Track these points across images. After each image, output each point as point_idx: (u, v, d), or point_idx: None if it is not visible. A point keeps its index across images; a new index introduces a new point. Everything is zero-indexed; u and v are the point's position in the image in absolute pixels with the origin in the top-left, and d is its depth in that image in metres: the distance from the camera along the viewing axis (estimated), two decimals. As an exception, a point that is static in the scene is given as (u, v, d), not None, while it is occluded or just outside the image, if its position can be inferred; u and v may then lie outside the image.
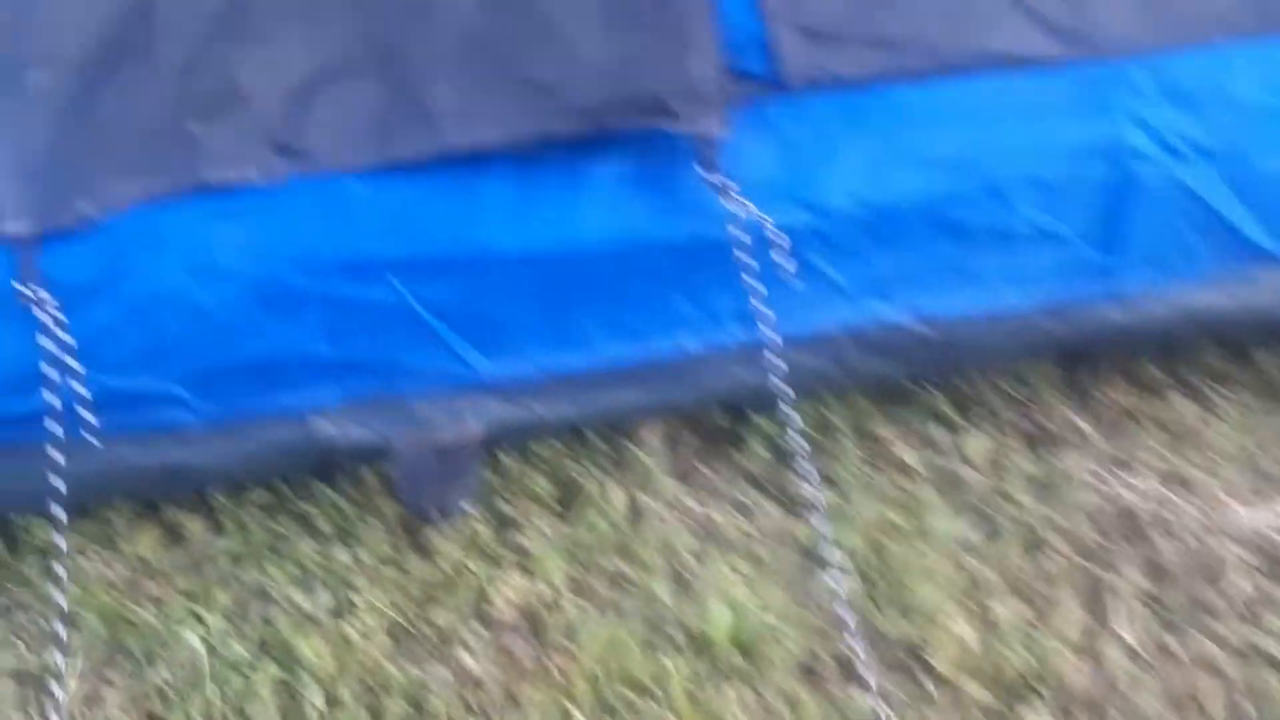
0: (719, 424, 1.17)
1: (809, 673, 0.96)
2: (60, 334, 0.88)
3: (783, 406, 0.92)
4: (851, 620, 0.88)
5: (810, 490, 0.91)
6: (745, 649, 0.96)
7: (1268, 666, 0.93)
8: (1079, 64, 0.94)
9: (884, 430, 1.14)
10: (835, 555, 0.90)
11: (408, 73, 0.90)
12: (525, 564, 1.05)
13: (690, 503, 1.10)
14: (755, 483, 1.12)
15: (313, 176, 0.91)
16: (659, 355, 0.99)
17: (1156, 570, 1.01)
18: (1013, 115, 0.94)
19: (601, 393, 1.02)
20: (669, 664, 0.94)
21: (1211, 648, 0.94)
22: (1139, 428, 1.13)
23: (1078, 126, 0.95)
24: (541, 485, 1.10)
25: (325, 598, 1.02)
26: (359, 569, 1.04)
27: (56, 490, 0.90)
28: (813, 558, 1.04)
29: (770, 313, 0.92)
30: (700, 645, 0.96)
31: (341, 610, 1.01)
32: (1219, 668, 0.93)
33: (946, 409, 1.15)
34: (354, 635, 0.98)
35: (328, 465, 1.08)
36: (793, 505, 1.09)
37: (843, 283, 0.97)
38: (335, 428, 1.00)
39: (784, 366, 0.92)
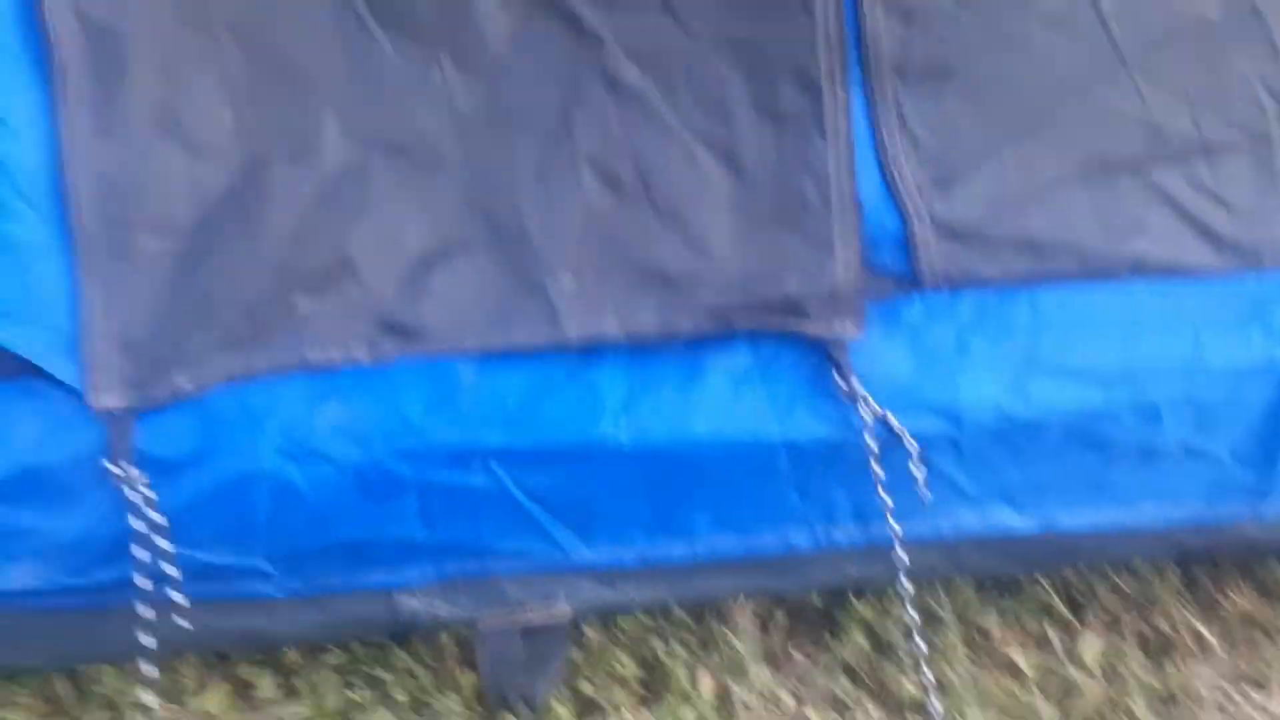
0: (814, 606, 1.12)
1: None
2: (150, 513, 0.85)
3: (907, 614, 0.86)
4: None
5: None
6: None
7: None
8: (1241, 276, 0.89)
9: (992, 625, 1.07)
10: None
11: (527, 255, 0.86)
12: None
13: (784, 695, 1.04)
14: (853, 676, 1.06)
15: (422, 358, 0.87)
16: (765, 549, 0.94)
17: (1292, 810, 0.94)
18: (1167, 328, 0.89)
19: (700, 579, 0.97)
20: None
21: None
22: (1269, 641, 1.06)
23: (1238, 343, 0.89)
24: (626, 666, 1.05)
25: None
26: (435, 747, 1.00)
27: (147, 649, 0.86)
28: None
29: (897, 526, 0.87)
30: None
31: (416, 791, 0.97)
32: None
33: (1058, 604, 1.09)
34: (426, 820, 0.93)
35: (407, 633, 1.03)
36: (895, 705, 1.03)
37: (970, 490, 0.92)
38: (421, 605, 0.95)
39: (909, 585, 0.87)
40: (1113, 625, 1.08)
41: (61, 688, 1.05)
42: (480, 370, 0.89)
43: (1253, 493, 0.92)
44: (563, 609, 0.97)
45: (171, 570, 0.88)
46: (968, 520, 0.93)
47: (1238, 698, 1.01)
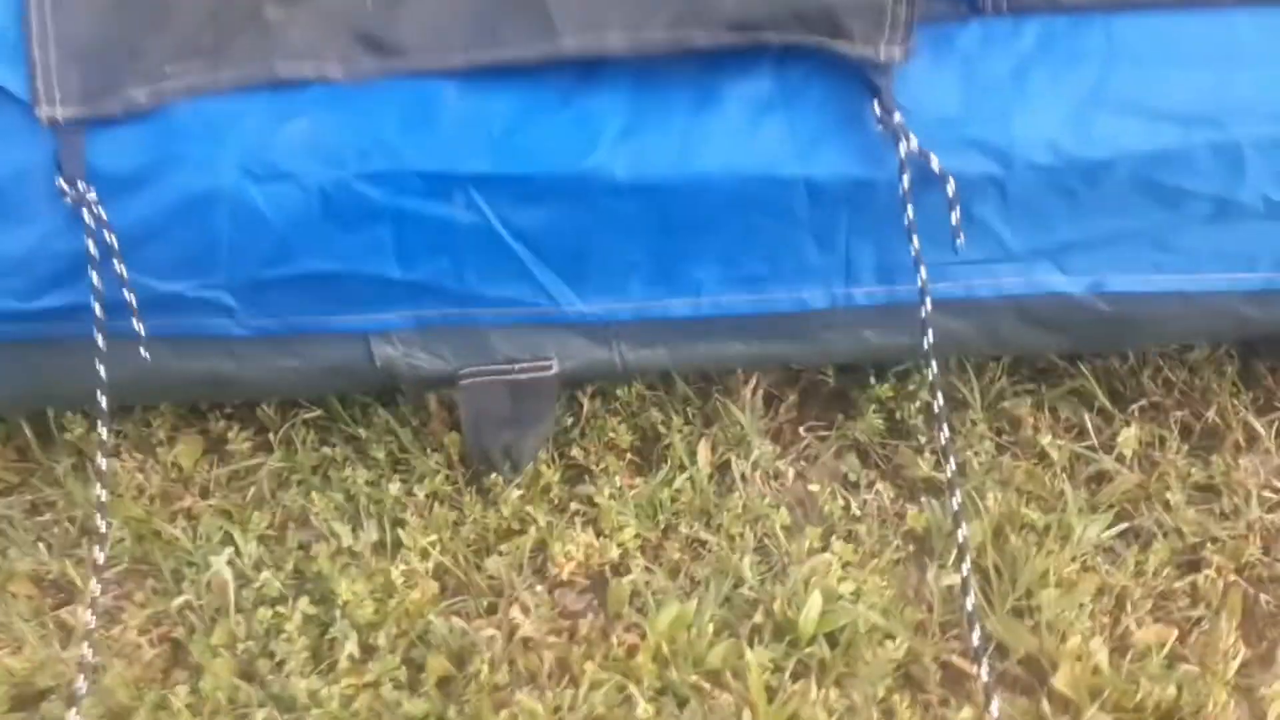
0: (828, 387, 1.04)
1: (907, 679, 0.86)
2: (104, 234, 0.78)
3: (930, 375, 0.78)
4: (977, 634, 0.77)
5: (944, 473, 0.78)
6: (836, 643, 0.85)
7: None
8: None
9: (1022, 411, 0.99)
10: (967, 552, 0.78)
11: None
12: (595, 519, 0.95)
13: (788, 470, 0.98)
14: (864, 455, 0.99)
15: (401, 76, 0.77)
16: (776, 308, 0.85)
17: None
18: (1263, 63, 0.76)
19: (703, 343, 0.89)
20: (748, 652, 0.84)
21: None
22: (1326, 437, 0.98)
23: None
24: (620, 433, 0.99)
25: (371, 533, 0.93)
26: (411, 505, 0.95)
27: (101, 379, 0.81)
28: (925, 548, 0.93)
29: (924, 273, 0.77)
30: (785, 634, 0.86)
31: (387, 549, 0.93)
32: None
33: (1095, 390, 1.00)
34: (397, 578, 0.90)
35: (388, 388, 0.97)
36: (907, 484, 0.97)
37: (1014, 245, 0.82)
38: (399, 353, 0.89)
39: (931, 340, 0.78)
40: (1156, 415, 1.00)
41: (29, 434, 1.01)
42: (464, 91, 0.79)
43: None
44: (551, 365, 0.90)
45: (129, 296, 0.81)
46: (1008, 279, 0.84)
47: (1284, 492, 0.94)
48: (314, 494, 0.96)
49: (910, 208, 0.76)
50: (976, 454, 0.97)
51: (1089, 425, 0.98)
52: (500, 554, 0.92)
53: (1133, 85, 0.77)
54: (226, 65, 0.78)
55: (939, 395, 0.79)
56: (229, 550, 0.92)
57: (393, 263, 0.83)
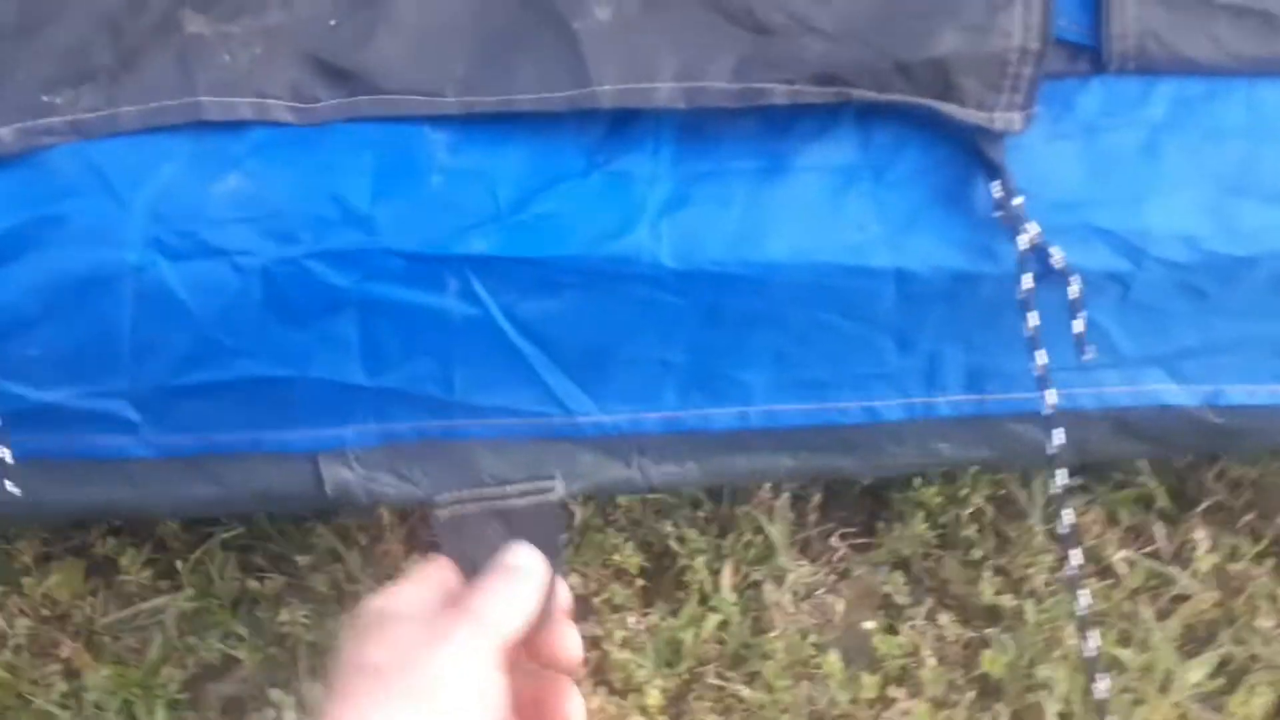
0: (858, 484, 0.89)
1: None
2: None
3: (1055, 487, 0.63)
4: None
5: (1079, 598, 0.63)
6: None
7: None
8: None
9: (1084, 517, 0.87)
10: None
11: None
12: (603, 667, 0.78)
13: (828, 598, 0.83)
14: (909, 571, 0.85)
15: (374, 120, 0.58)
16: (839, 419, 0.70)
17: None
18: None
19: (744, 456, 0.73)
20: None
21: None
22: None
23: None
24: (626, 553, 0.82)
25: (315, 694, 0.74)
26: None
27: None
28: (1001, 694, 0.79)
29: (1052, 396, 0.63)
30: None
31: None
32: None
33: (1159, 494, 0.89)
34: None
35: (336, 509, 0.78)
36: (960, 607, 0.83)
37: (1126, 350, 0.68)
38: (357, 477, 0.69)
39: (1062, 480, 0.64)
40: (1225, 520, 0.89)
41: None
42: (458, 143, 0.60)
43: None
44: (555, 489, 0.72)
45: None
46: (1113, 388, 0.70)
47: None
48: (238, 640, 0.76)
49: (1034, 314, 0.62)
50: (1039, 570, 0.84)
51: (1156, 534, 0.87)
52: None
53: (1281, 167, 0.64)
54: (130, 96, 0.57)
55: (1065, 515, 0.65)
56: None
57: (357, 366, 0.63)
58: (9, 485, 0.61)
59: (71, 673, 0.76)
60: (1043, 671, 0.78)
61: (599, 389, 0.68)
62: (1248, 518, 0.88)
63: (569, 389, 0.67)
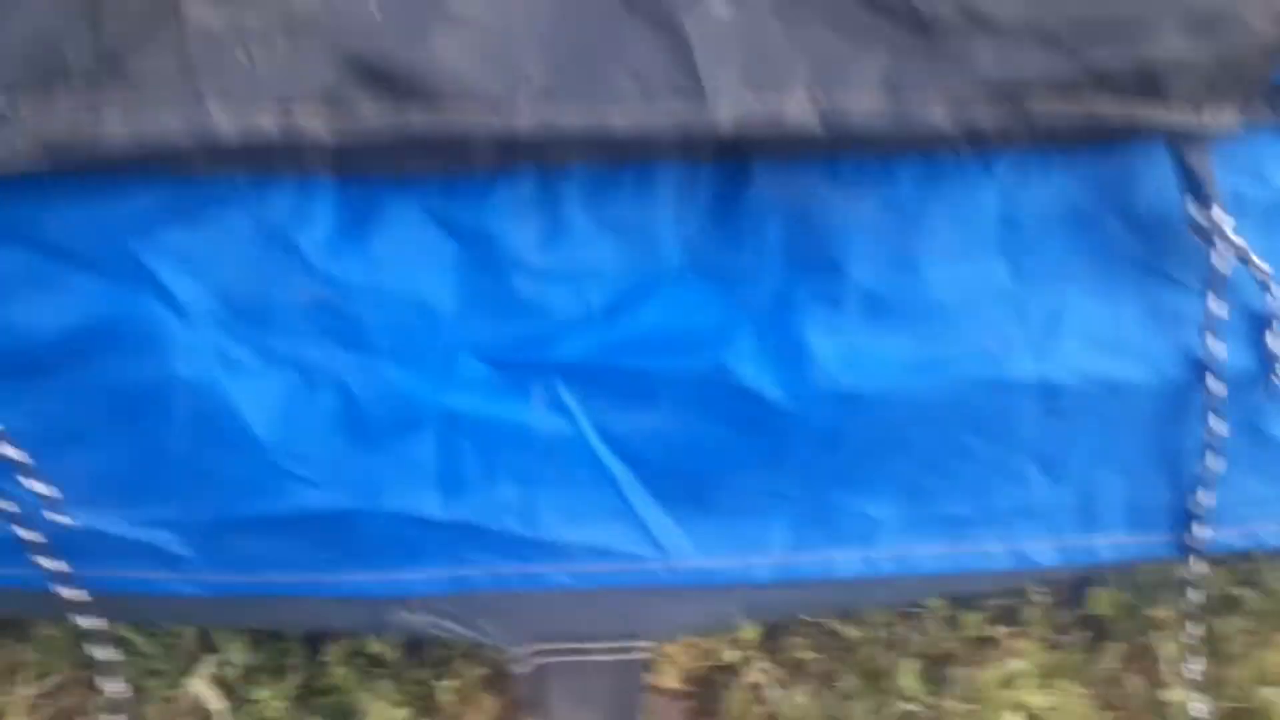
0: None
1: None
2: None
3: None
4: None
5: None
6: None
7: None
8: None
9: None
10: None
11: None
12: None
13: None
14: None
15: (428, 142, 0.47)
16: (982, 563, 0.60)
17: None
18: None
19: (859, 597, 0.63)
20: None
21: None
22: None
23: None
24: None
25: None
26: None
27: None
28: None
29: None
30: None
31: None
32: None
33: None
34: None
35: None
36: None
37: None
38: (423, 622, 0.61)
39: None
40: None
41: None
42: (547, 235, 0.53)
43: None
44: (639, 649, 0.63)
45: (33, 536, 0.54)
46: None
47: None
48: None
49: (1218, 412, 0.53)
50: None
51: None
52: None
53: None
54: (114, 103, 0.45)
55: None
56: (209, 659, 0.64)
57: (433, 494, 0.57)
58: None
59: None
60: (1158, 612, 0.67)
61: (699, 525, 0.59)
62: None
63: (664, 524, 0.59)
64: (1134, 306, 0.55)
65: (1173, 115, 0.49)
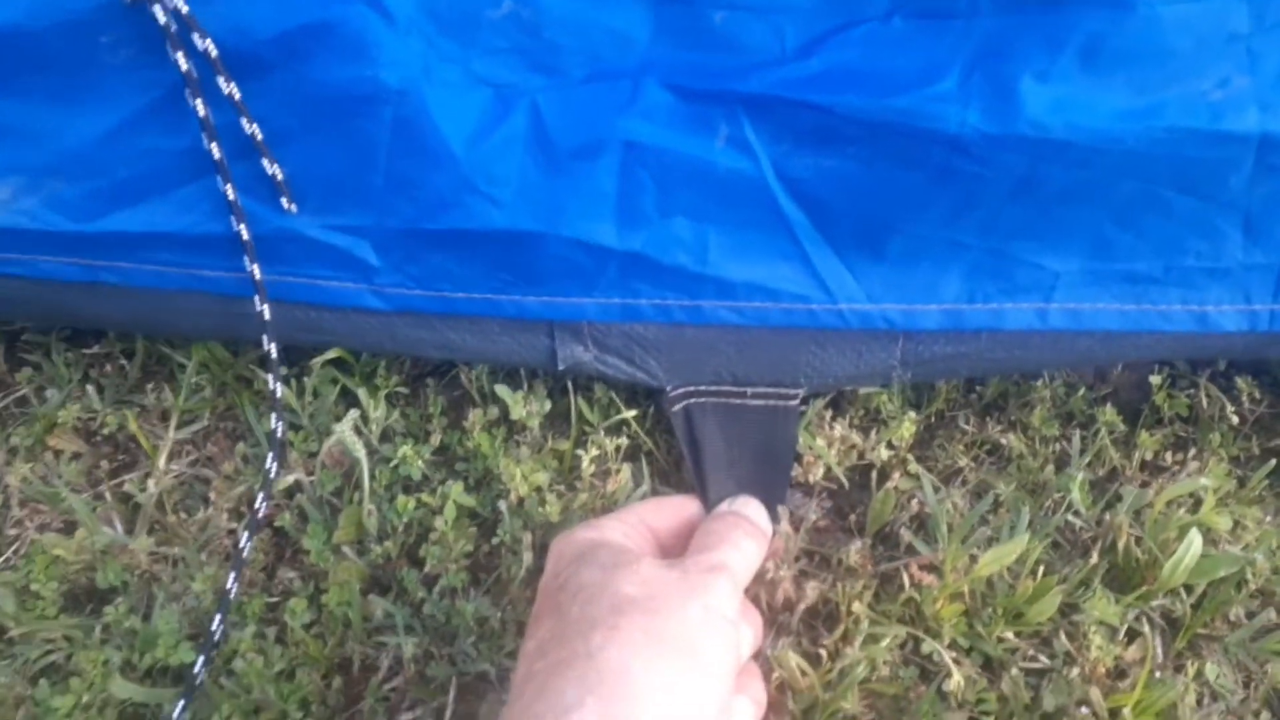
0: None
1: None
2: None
3: None
4: None
5: None
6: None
7: None
8: None
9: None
10: None
11: None
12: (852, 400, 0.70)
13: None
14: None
15: None
16: (1160, 323, 0.61)
17: None
18: None
19: (1027, 355, 0.64)
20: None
21: None
22: None
23: None
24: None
25: (541, 401, 0.70)
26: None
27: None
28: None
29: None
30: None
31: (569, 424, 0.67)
32: None
33: None
34: (585, 467, 0.67)
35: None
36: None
37: None
38: (591, 357, 0.65)
39: None
40: None
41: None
42: None
43: None
44: (797, 397, 0.66)
45: (238, 226, 0.59)
46: None
47: None
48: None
49: None
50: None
51: None
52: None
53: None
54: None
55: None
56: (353, 413, 0.70)
57: (610, 222, 0.59)
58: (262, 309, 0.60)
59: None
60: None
61: (870, 271, 0.61)
62: None
63: (834, 268, 0.61)
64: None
65: None
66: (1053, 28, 0.54)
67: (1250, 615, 0.62)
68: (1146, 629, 0.61)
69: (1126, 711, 0.56)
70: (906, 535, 0.64)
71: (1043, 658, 0.61)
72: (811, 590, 0.59)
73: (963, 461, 0.69)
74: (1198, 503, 0.65)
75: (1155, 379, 0.71)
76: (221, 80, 0.54)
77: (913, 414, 0.70)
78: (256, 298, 0.62)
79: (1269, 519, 0.66)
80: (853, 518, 0.68)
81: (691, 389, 0.67)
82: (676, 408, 0.67)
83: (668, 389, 0.67)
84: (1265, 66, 0.53)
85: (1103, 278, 0.60)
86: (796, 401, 0.67)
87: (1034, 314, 0.61)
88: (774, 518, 0.59)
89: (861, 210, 0.59)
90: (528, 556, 0.63)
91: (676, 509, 0.57)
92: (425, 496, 0.67)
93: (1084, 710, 0.57)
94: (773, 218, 0.60)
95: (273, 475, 0.66)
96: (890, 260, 0.61)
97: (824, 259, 0.61)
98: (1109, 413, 0.70)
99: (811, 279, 0.62)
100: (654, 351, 0.65)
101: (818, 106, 0.56)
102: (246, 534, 0.64)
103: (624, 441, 0.69)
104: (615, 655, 0.44)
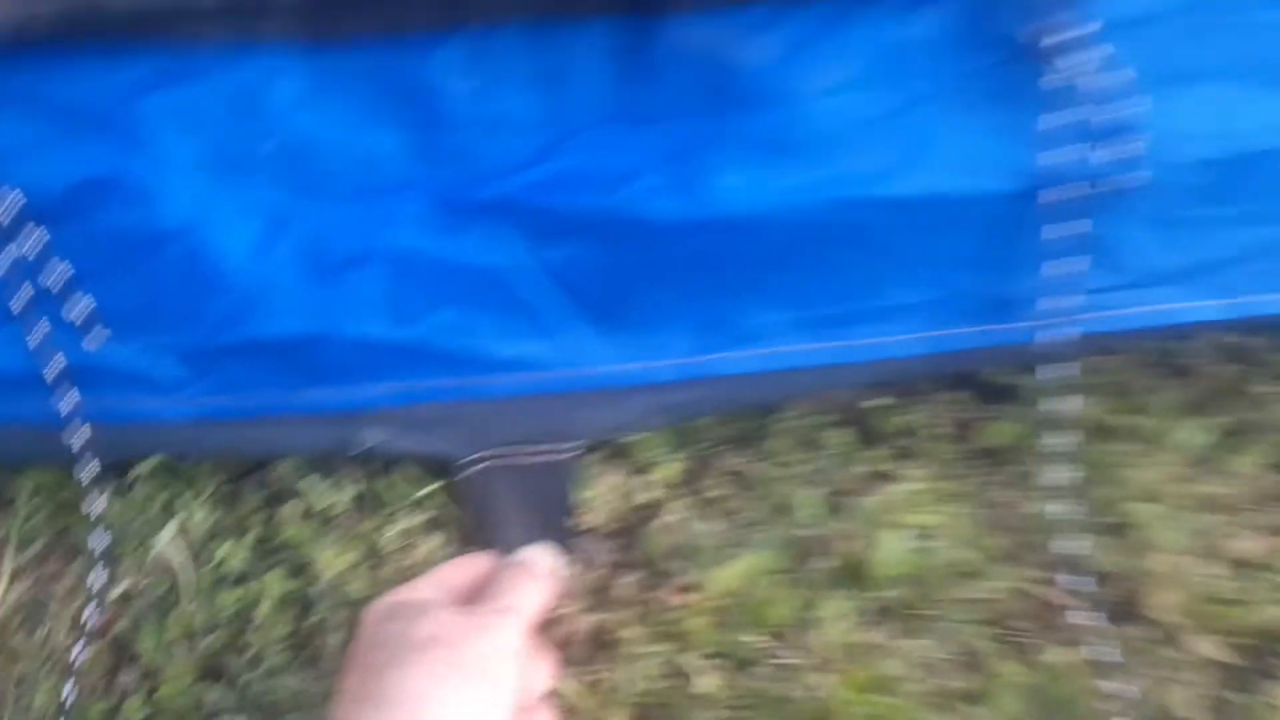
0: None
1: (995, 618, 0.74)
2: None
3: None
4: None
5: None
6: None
7: None
8: None
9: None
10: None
11: None
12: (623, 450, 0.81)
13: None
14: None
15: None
16: (845, 358, 0.74)
17: None
18: None
19: (757, 394, 0.77)
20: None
21: None
22: None
23: None
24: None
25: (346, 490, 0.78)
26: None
27: None
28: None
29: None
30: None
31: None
32: None
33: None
34: (387, 544, 0.78)
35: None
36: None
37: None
38: (385, 437, 0.75)
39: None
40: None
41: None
42: (479, 88, 0.64)
43: None
44: (568, 448, 0.77)
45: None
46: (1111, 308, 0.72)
47: None
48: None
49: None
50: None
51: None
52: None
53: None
54: None
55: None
56: (173, 521, 0.78)
57: (384, 319, 0.69)
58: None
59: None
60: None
61: (616, 337, 0.72)
62: None
63: (588, 338, 0.72)
64: (987, 125, 0.66)
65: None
66: (736, 125, 0.67)
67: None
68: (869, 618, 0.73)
69: (846, 688, 0.68)
70: (674, 563, 0.75)
71: (786, 653, 0.72)
72: (587, 624, 0.69)
73: (722, 491, 0.81)
74: (914, 504, 0.78)
75: (874, 403, 0.84)
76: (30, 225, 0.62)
77: (680, 454, 0.82)
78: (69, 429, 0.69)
79: (968, 511, 0.79)
80: (636, 553, 0.79)
81: (479, 455, 0.77)
82: (466, 474, 0.76)
83: (458, 459, 0.76)
84: (903, 139, 0.67)
85: (808, 323, 0.73)
86: (574, 455, 0.78)
87: (755, 359, 0.74)
88: (563, 563, 0.69)
89: (604, 287, 0.71)
90: (341, 631, 0.71)
91: (473, 565, 0.65)
92: (247, 588, 0.75)
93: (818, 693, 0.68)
94: (531, 299, 0.71)
95: (96, 589, 0.72)
96: (631, 327, 0.73)
97: (578, 331, 0.72)
98: (841, 435, 0.83)
99: (570, 348, 0.73)
100: (440, 428, 0.75)
101: (549, 206, 0.68)
102: (80, 645, 0.70)
103: (434, 513, 0.78)
104: (414, 684, 0.51)
